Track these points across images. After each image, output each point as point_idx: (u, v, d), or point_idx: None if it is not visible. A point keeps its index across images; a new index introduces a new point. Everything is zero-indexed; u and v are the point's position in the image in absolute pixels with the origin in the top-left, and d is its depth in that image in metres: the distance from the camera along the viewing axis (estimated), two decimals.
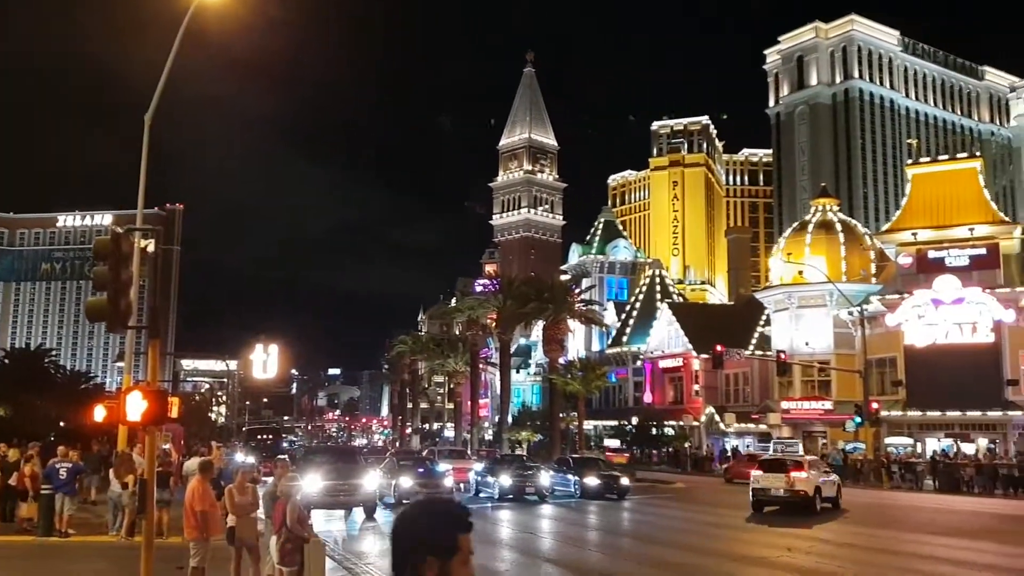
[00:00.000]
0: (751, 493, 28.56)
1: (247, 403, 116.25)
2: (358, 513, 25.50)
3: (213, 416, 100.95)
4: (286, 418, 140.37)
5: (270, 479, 13.68)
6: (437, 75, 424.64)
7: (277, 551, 10.55)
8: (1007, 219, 55.99)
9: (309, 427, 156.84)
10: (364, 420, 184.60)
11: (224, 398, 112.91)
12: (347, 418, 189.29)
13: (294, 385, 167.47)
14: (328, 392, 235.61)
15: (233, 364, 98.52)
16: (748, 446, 61.47)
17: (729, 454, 57.31)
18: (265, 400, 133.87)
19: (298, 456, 32.14)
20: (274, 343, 57.23)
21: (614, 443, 64.03)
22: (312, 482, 23.26)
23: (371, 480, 26.19)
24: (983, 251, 49.62)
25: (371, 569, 16.14)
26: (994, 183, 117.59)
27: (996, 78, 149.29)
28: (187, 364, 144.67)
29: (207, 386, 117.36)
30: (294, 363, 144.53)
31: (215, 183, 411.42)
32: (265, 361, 56.48)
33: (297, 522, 10.49)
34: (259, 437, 56.45)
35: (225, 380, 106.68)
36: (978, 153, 59.72)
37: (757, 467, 29.50)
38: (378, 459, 36.11)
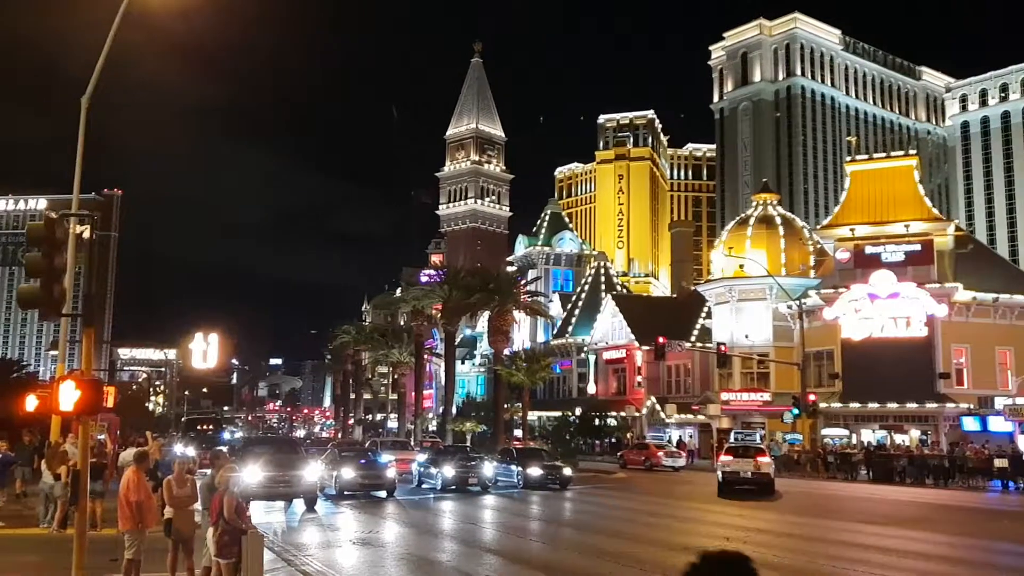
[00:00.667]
0: (720, 475, 31.57)
1: (186, 393, 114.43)
2: (299, 504, 25.28)
3: (151, 406, 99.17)
4: (226, 408, 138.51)
5: (209, 471, 13.47)
6: (384, 63, 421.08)
7: (214, 543, 10.39)
8: (941, 216, 57.46)
9: (250, 418, 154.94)
10: (306, 411, 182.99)
11: (162, 388, 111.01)
12: (289, 409, 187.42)
13: (235, 375, 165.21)
14: (269, 382, 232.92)
15: (172, 353, 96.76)
16: (691, 436, 62.49)
17: (627, 442, 59.99)
18: (204, 390, 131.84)
19: (237, 447, 31.69)
20: (214, 332, 56.22)
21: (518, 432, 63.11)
22: (251, 473, 22.99)
23: (312, 471, 25.97)
24: (918, 247, 50.87)
25: (311, 561, 16.01)
26: (930, 181, 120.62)
27: (933, 78, 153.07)
28: (124, 353, 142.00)
29: (144, 375, 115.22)
30: (235, 353, 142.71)
31: (155, 169, 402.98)
32: (205, 350, 55.37)
33: (235, 513, 10.34)
34: (199, 428, 55.57)
35: (163, 369, 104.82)
36: (914, 151, 61.15)
37: (726, 453, 33.08)
38: (321, 450, 35.83)
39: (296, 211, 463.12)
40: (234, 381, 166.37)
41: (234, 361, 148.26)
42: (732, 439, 46.36)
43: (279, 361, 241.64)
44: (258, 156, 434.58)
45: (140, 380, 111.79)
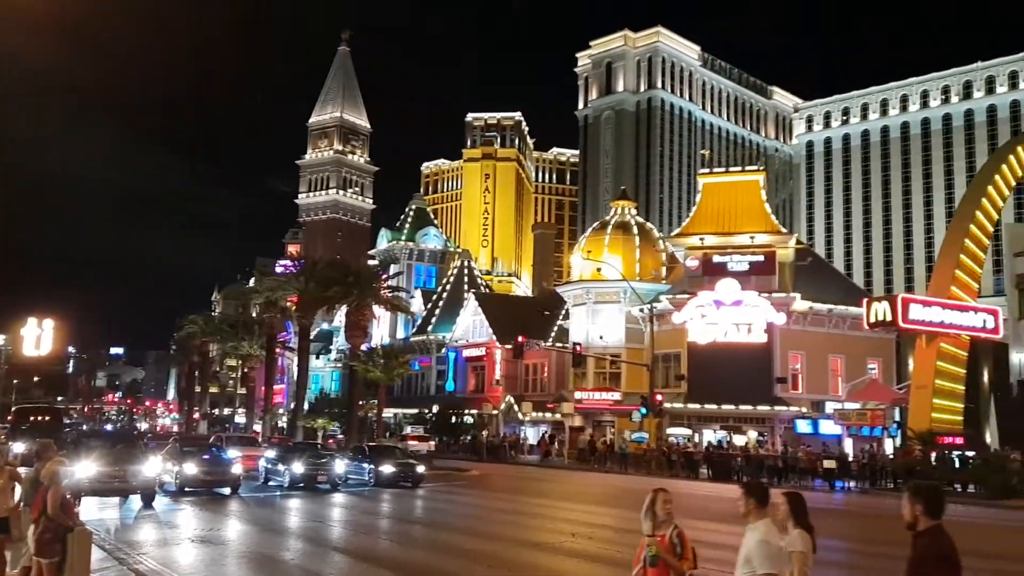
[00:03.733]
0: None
1: (15, 381, 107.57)
2: (136, 501, 24.22)
3: None
4: (60, 399, 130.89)
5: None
6: (247, 47, 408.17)
7: (34, 541, 9.74)
8: (784, 230, 60.46)
9: (86, 409, 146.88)
10: (148, 403, 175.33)
11: None
12: (130, 400, 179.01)
13: (70, 363, 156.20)
14: (109, 372, 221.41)
15: (0, 339, 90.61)
16: (545, 433, 63.53)
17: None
18: (36, 379, 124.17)
19: (69, 439, 30.05)
20: (49, 318, 52.87)
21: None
22: (84, 467, 21.88)
23: (151, 466, 24.92)
24: (761, 258, 53.39)
25: (145, 560, 15.33)
26: (775, 195, 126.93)
27: (783, 98, 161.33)
28: None
29: None
30: (71, 340, 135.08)
31: None
32: (38, 336, 52.06)
33: (60, 509, 9.73)
34: (32, 419, 49.50)
35: None
36: (762, 167, 64.15)
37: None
38: (162, 445, 34.39)
39: (144, 194, 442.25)
40: (70, 370, 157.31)
41: (70, 348, 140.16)
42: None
43: (120, 350, 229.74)
44: (104, 133, 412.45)
45: None
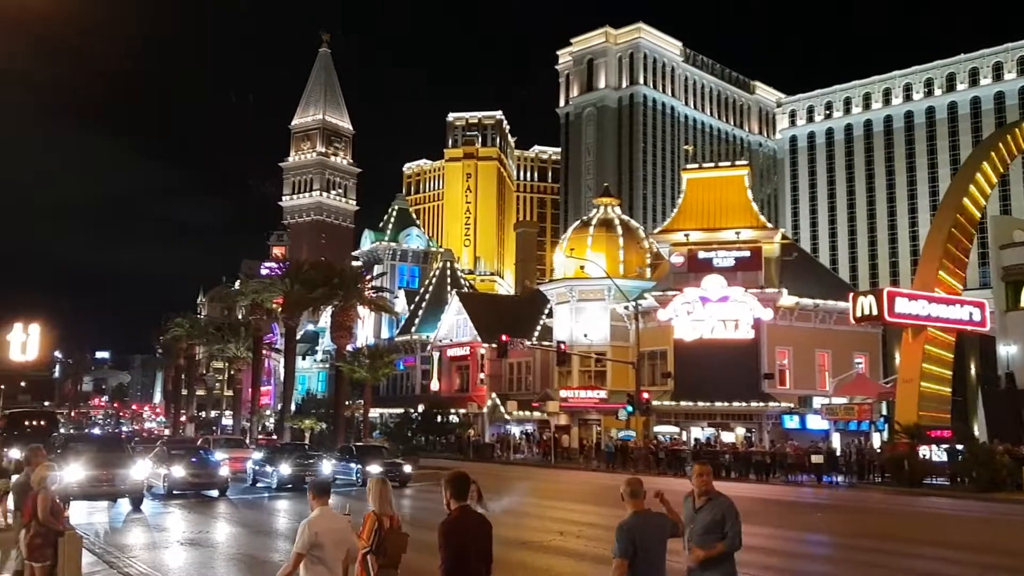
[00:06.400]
0: None
1: (1, 387, 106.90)
2: (125, 504, 24.10)
3: None
4: (47, 403, 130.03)
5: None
6: (228, 48, 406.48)
7: (26, 546, 9.74)
8: (770, 225, 60.49)
9: (73, 413, 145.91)
10: (135, 407, 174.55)
11: None
12: (116, 404, 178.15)
13: (56, 368, 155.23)
14: (95, 376, 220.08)
15: None
16: (526, 432, 63.65)
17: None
18: (23, 384, 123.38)
19: (57, 444, 29.80)
20: (35, 322, 52.31)
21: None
22: (72, 471, 21.75)
23: (139, 469, 24.82)
24: (747, 254, 53.46)
25: (135, 563, 15.27)
26: (760, 191, 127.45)
27: (766, 93, 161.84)
28: None
29: None
30: (58, 345, 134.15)
31: None
32: (24, 342, 51.48)
33: (50, 514, 9.73)
34: (26, 423, 48.06)
35: None
36: (746, 162, 64.26)
37: None
38: (150, 448, 34.21)
39: (127, 197, 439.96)
40: (56, 375, 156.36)
41: (56, 353, 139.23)
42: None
43: (106, 354, 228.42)
44: (86, 137, 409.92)
45: None
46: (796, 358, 53.08)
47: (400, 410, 70.06)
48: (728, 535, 7.41)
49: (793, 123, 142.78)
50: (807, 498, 33.38)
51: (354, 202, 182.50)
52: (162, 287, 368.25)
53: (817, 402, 49.69)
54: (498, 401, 65.60)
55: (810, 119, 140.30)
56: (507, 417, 64.54)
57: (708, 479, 7.65)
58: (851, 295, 43.89)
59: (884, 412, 44.65)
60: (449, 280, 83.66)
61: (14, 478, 11.98)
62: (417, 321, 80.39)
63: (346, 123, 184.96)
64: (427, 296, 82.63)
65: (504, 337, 47.10)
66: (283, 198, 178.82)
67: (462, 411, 68.29)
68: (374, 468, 33.11)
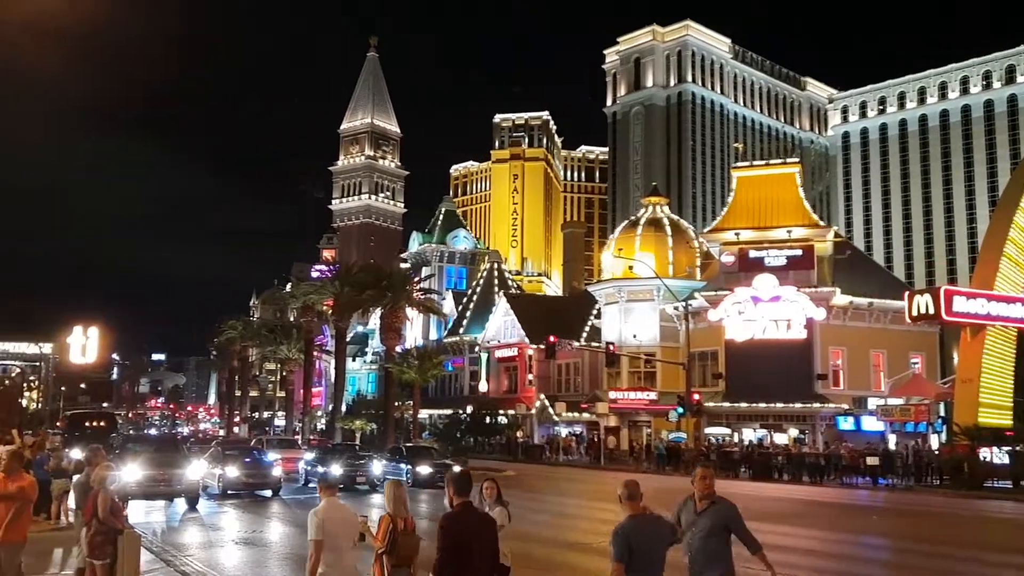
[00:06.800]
0: None
1: (62, 389, 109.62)
2: (180, 504, 24.52)
3: (24, 402, 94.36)
4: (105, 405, 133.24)
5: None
6: (277, 56, 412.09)
7: (87, 544, 9.97)
8: (822, 223, 59.70)
9: (130, 414, 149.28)
10: (190, 408, 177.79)
11: (36, 383, 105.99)
12: (172, 405, 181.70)
13: (115, 370, 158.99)
14: (152, 378, 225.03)
15: (48, 347, 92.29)
16: (574, 433, 63.44)
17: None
18: (83, 386, 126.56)
19: (115, 444, 30.46)
20: (94, 326, 53.62)
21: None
22: (130, 471, 22.17)
23: (194, 469, 25.23)
24: (799, 252, 52.74)
25: (191, 561, 15.52)
26: (812, 188, 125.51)
27: (817, 89, 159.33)
28: None
29: (18, 370, 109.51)
30: (115, 347, 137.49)
31: (32, 159, 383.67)
32: (84, 345, 52.84)
33: (110, 513, 9.95)
34: (87, 424, 48.42)
35: (39, 364, 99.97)
36: (797, 159, 63.44)
37: None
38: (205, 448, 34.77)
39: (182, 204, 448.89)
40: (114, 377, 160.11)
41: (114, 356, 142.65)
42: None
43: (162, 356, 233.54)
44: (142, 148, 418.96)
45: (13, 375, 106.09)
46: (850, 358, 52.21)
47: (449, 411, 70.35)
48: (747, 542, 7.50)
49: (846, 119, 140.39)
50: (862, 501, 32.80)
51: (402, 204, 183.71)
52: (216, 290, 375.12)
53: (872, 403, 48.80)
54: (546, 402, 65.51)
55: (863, 115, 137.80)
56: (556, 418, 64.42)
57: (711, 482, 7.59)
58: (907, 294, 43.08)
59: (942, 413, 43.71)
60: (496, 281, 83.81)
61: (75, 478, 12.23)
62: (465, 322, 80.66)
63: (394, 126, 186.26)
64: (475, 297, 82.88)
65: (552, 338, 46.99)
66: (333, 201, 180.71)
67: (510, 412, 68.33)
68: (424, 469, 33.30)
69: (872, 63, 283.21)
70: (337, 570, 8.08)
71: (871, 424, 47.26)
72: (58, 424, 65.00)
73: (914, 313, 40.07)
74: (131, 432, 76.61)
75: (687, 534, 7.44)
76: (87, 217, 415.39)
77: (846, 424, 48.54)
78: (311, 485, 32.38)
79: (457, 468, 35.01)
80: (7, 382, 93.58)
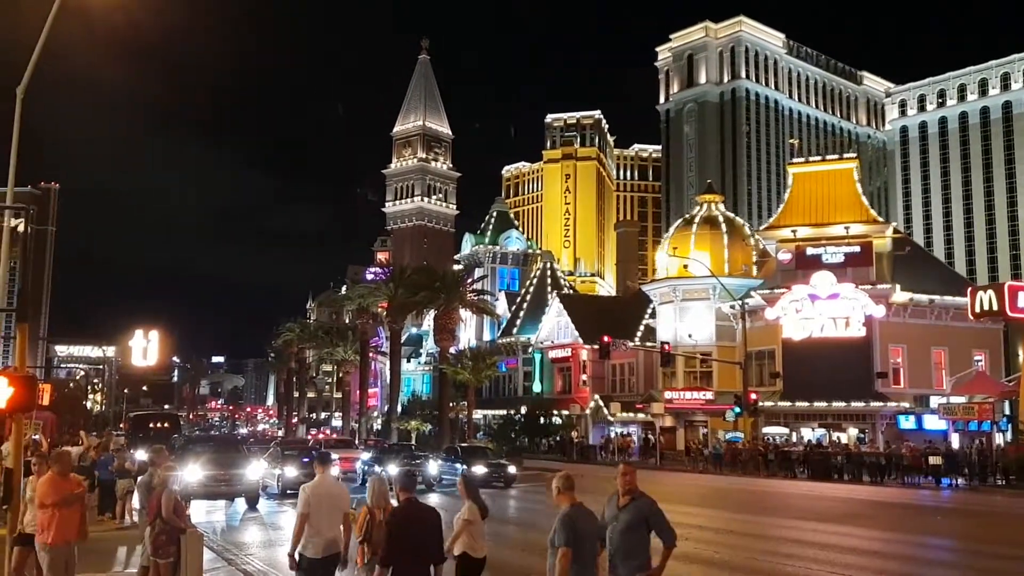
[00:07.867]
0: None
1: (125, 391, 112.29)
2: (241, 503, 24.96)
3: (88, 404, 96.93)
4: (166, 407, 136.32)
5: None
6: (329, 60, 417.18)
7: (151, 543, 10.25)
8: (880, 219, 58.61)
9: (191, 416, 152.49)
10: (249, 409, 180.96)
11: (100, 386, 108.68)
12: (231, 407, 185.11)
13: (176, 373, 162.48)
14: (211, 380, 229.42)
15: (111, 351, 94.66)
16: (629, 433, 63.10)
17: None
18: (144, 388, 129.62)
19: (176, 446, 31.15)
20: (155, 329, 54.66)
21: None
22: (192, 472, 22.67)
23: (254, 470, 25.67)
24: (857, 249, 51.83)
25: (252, 560, 15.83)
26: (869, 184, 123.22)
27: (873, 83, 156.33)
28: (61, 350, 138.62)
29: (82, 373, 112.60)
30: (176, 350, 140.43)
31: (91, 165, 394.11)
32: (145, 348, 53.82)
33: (173, 512, 10.22)
34: (151, 425, 48.43)
35: (102, 367, 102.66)
36: (854, 155, 62.33)
37: None
38: (264, 449, 35.38)
39: (239, 208, 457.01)
40: (175, 379, 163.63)
41: (175, 359, 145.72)
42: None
43: (221, 359, 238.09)
44: (199, 153, 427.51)
45: (77, 378, 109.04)
46: (910, 356, 51.13)
47: (503, 412, 70.53)
48: (663, 535, 7.63)
49: (904, 113, 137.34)
50: (925, 501, 32.12)
51: (454, 206, 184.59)
52: (274, 294, 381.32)
53: (934, 401, 47.81)
54: (601, 403, 65.30)
55: (922, 108, 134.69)
56: (610, 419, 64.18)
57: (632, 479, 7.85)
58: (969, 290, 42.18)
59: (1007, 411, 42.60)
60: (549, 282, 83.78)
61: (139, 478, 12.54)
62: (518, 323, 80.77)
63: (445, 128, 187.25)
64: (528, 298, 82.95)
65: (606, 338, 46.87)
66: (386, 204, 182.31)
67: (564, 412, 68.26)
68: (479, 469, 33.44)
69: (930, 56, 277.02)
70: (320, 539, 8.72)
71: (933, 423, 46.30)
72: (122, 425, 66.62)
73: (977, 310, 39.20)
74: (194, 433, 78.34)
75: (608, 528, 7.73)
76: (148, 221, 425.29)
77: (907, 423, 47.64)
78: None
79: (512, 468, 35.15)
80: (71, 385, 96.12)
